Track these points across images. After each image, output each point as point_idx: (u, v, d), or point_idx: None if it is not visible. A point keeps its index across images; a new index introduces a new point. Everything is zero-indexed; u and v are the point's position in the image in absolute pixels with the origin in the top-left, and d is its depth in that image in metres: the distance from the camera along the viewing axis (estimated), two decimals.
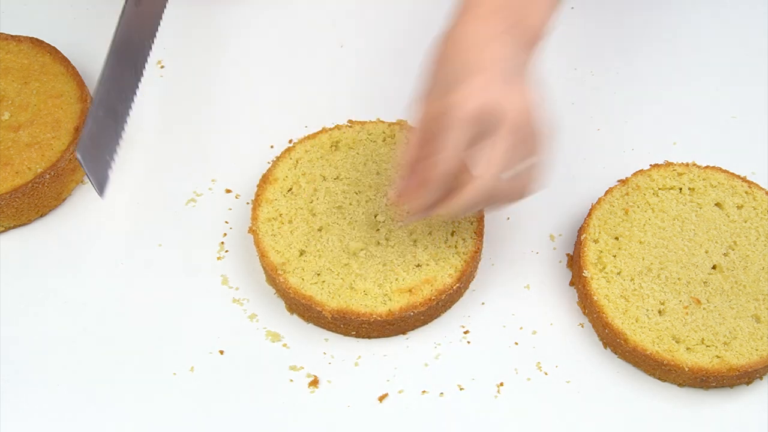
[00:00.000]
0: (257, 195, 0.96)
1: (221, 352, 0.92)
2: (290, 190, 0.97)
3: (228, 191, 1.01)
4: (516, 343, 0.93)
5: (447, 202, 0.86)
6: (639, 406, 0.91)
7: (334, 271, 0.93)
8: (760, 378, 0.92)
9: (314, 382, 0.91)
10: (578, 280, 0.95)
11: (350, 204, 0.96)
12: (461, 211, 0.86)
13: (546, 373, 0.92)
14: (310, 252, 0.94)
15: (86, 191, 1.01)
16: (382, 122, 1.01)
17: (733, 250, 0.94)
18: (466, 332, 0.94)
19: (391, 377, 0.91)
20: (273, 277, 0.93)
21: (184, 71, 1.09)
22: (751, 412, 0.91)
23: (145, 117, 1.05)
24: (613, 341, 0.92)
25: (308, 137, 1.00)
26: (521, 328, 0.94)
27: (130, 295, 0.95)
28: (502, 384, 0.91)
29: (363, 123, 1.01)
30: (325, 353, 0.92)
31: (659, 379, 0.92)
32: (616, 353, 0.93)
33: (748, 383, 0.92)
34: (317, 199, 0.96)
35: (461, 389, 0.91)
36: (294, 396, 0.90)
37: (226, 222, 0.99)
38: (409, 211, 0.89)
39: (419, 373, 0.92)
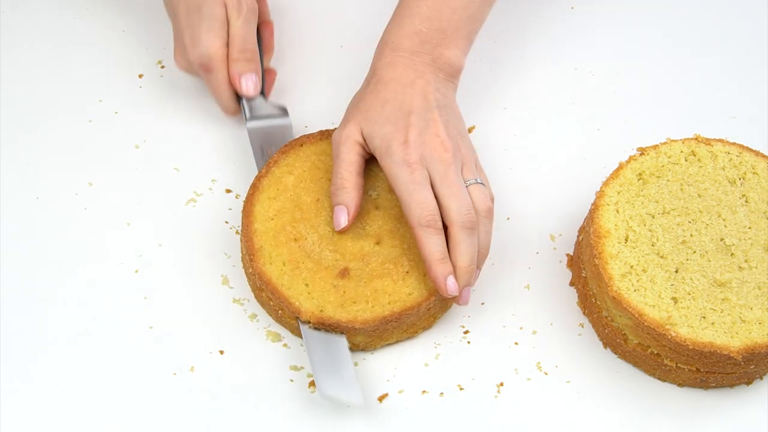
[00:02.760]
0: (599, 252, 0.90)
1: (221, 352, 0.92)
2: (627, 239, 0.91)
3: (228, 191, 1.01)
4: (516, 343, 0.93)
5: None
6: (639, 406, 0.91)
7: (716, 309, 0.87)
8: (760, 378, 0.92)
9: (314, 382, 0.91)
10: (578, 280, 0.95)
11: (691, 235, 0.90)
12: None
13: (546, 373, 0.92)
14: (682, 297, 0.88)
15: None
16: (674, 141, 0.96)
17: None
18: (466, 332, 0.94)
19: (391, 377, 0.91)
20: (658, 333, 0.87)
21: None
22: (751, 412, 0.91)
23: (145, 117, 1.05)
24: (613, 341, 0.92)
25: (611, 177, 0.94)
26: (521, 328, 0.94)
27: (130, 295, 0.95)
28: (502, 384, 0.91)
29: (655, 147, 0.95)
30: None
31: (659, 379, 0.92)
32: (616, 353, 0.93)
33: (748, 383, 0.92)
34: (657, 240, 0.90)
35: (461, 389, 0.91)
36: (294, 396, 0.90)
37: (226, 222, 0.99)
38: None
39: (419, 373, 0.92)
